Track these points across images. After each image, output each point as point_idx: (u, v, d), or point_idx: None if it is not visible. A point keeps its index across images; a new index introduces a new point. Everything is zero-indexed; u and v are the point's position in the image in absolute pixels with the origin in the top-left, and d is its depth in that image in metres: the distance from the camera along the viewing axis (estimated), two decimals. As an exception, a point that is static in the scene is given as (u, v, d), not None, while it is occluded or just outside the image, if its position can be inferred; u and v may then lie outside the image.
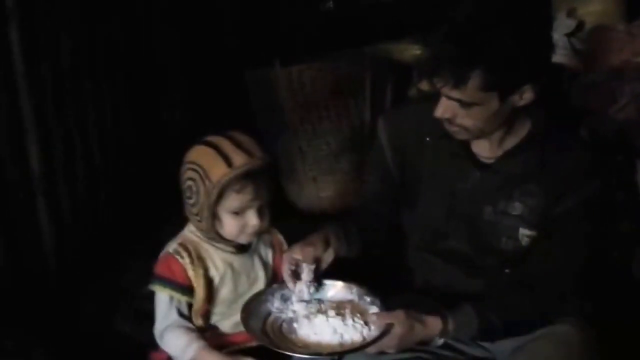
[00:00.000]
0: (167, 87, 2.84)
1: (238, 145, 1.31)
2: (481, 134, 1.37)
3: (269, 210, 1.38)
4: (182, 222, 1.43)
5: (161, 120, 2.81)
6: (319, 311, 1.37)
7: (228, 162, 1.28)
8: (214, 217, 1.33)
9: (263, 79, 2.72)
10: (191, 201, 1.34)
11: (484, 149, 1.43)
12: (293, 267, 1.39)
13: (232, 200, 1.31)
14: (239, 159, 1.29)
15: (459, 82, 1.24)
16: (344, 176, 2.73)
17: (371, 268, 1.51)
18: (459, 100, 1.28)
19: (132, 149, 2.53)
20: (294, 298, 1.40)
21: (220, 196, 1.30)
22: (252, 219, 1.35)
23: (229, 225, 1.35)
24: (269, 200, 1.37)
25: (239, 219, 1.34)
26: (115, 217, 2.40)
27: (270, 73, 2.67)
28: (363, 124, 2.71)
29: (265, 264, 1.48)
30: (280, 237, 1.51)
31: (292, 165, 2.75)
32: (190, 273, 1.36)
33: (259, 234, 1.42)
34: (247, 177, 1.29)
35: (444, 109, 1.32)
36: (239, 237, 1.38)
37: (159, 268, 1.37)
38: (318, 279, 1.42)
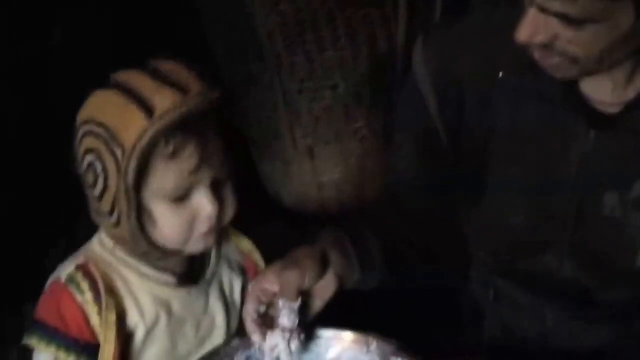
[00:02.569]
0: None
1: (162, 78, 1.33)
2: (597, 68, 1.39)
3: (233, 188, 1.40)
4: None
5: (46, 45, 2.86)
6: (312, 387, 1.40)
7: (147, 108, 1.29)
8: (140, 211, 1.34)
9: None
10: (95, 191, 1.35)
11: (603, 92, 1.45)
12: (263, 308, 1.40)
13: (164, 175, 1.32)
14: (164, 100, 1.30)
15: None
16: (361, 146, 2.76)
17: (404, 306, 1.55)
18: (562, 15, 1.28)
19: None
20: None
21: (142, 170, 1.31)
22: (204, 204, 1.36)
23: (169, 223, 1.36)
24: (230, 172, 1.39)
25: (182, 208, 1.36)
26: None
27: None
28: (394, 51, 2.72)
29: (228, 304, 1.51)
30: (258, 258, 1.54)
31: (271, 128, 2.78)
32: (94, 320, 1.37)
33: (218, 240, 1.44)
34: (183, 129, 1.30)
35: (534, 27, 1.33)
36: (187, 242, 1.39)
37: (42, 307, 1.40)
38: (308, 327, 1.42)
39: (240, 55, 2.79)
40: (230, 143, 1.41)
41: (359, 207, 1.74)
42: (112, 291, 1.39)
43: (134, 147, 1.29)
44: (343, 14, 2.66)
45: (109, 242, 1.42)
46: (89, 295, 1.37)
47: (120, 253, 1.41)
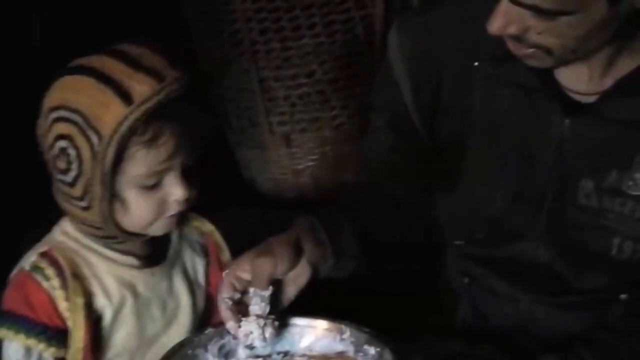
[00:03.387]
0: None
1: (135, 64, 1.32)
2: (571, 58, 1.38)
3: (196, 173, 1.40)
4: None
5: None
6: (285, 375, 1.41)
7: (124, 94, 1.29)
8: (112, 197, 1.35)
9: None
10: (67, 177, 1.35)
11: (578, 79, 1.44)
12: (238, 295, 1.40)
13: (141, 162, 1.33)
14: (142, 86, 1.30)
15: None
16: (337, 133, 2.76)
17: (379, 293, 1.56)
18: (534, 7, 1.27)
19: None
20: (240, 350, 1.42)
21: (119, 157, 1.31)
22: (176, 189, 1.37)
23: (140, 209, 1.37)
24: (196, 155, 1.39)
25: (154, 193, 1.37)
26: None
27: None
28: (372, 35, 2.72)
29: (192, 285, 1.52)
30: (219, 238, 1.55)
31: (247, 115, 2.78)
32: (62, 305, 1.37)
33: (181, 222, 1.45)
34: (160, 116, 1.31)
35: (507, 19, 1.31)
36: (153, 225, 1.40)
37: (9, 297, 1.40)
38: (282, 316, 1.43)
39: (217, 41, 2.78)
40: (204, 128, 1.41)
41: (336, 193, 1.73)
42: (77, 276, 1.39)
43: (112, 134, 1.29)
44: (319, 1, 2.66)
45: (71, 229, 1.42)
46: (55, 282, 1.37)
47: (83, 239, 1.41)
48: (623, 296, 1.48)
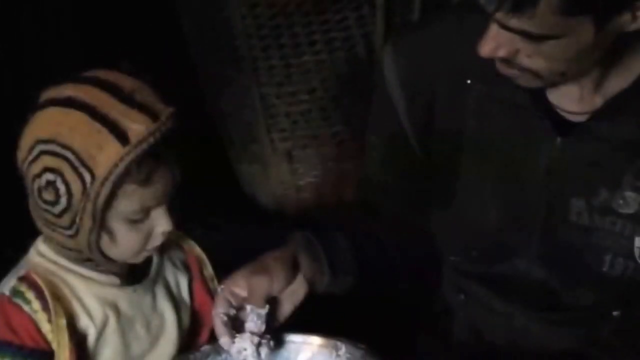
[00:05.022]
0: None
1: (126, 99, 1.31)
2: (561, 79, 1.39)
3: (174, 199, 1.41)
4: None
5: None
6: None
7: (120, 134, 1.28)
8: (100, 228, 1.34)
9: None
10: (55, 209, 1.33)
11: (569, 99, 1.44)
12: (233, 311, 1.40)
13: (134, 199, 1.33)
14: (138, 126, 1.28)
15: (522, 3, 1.23)
16: (339, 149, 2.76)
17: (376, 310, 1.58)
18: (522, 32, 1.28)
19: None
20: None
21: (112, 196, 1.31)
22: (163, 223, 1.37)
23: (127, 241, 1.37)
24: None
25: (142, 227, 1.37)
26: None
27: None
28: (372, 52, 2.72)
29: (177, 301, 1.50)
30: (199, 253, 1.54)
31: (249, 131, 2.77)
32: (45, 327, 1.35)
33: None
34: (154, 154, 1.30)
35: (496, 42, 1.32)
36: (138, 255, 1.41)
37: None
38: (277, 333, 1.43)
39: (217, 58, 2.79)
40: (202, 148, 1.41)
41: (338, 210, 1.76)
42: (58, 297, 1.38)
43: (107, 175, 1.28)
44: (319, 18, 2.67)
45: (48, 251, 1.41)
46: (36, 305, 1.36)
47: (60, 260, 1.40)
48: (615, 313, 1.47)
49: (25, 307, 1.35)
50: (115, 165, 1.27)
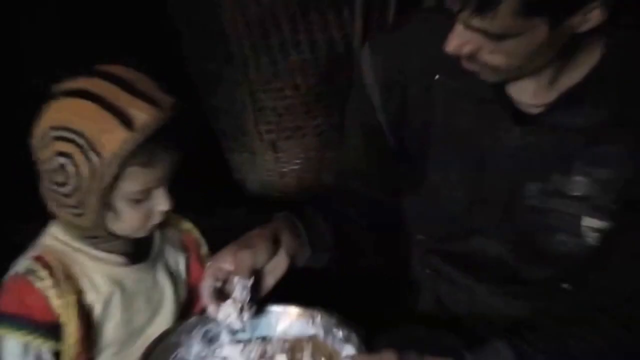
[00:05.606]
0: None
1: (131, 90, 1.35)
2: (519, 74, 1.43)
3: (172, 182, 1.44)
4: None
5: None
6: (262, 356, 1.43)
7: (126, 120, 1.32)
8: (105, 206, 1.38)
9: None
10: (64, 189, 1.37)
11: (526, 93, 1.48)
12: (219, 284, 1.43)
13: (136, 180, 1.37)
14: (141, 113, 1.33)
15: (484, 5, 1.27)
16: (320, 140, 2.79)
17: (349, 283, 1.57)
18: (483, 31, 1.32)
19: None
20: (223, 335, 1.45)
21: (117, 176, 1.35)
22: (162, 202, 1.41)
23: (130, 218, 1.41)
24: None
25: (143, 206, 1.41)
26: None
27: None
28: (351, 52, 2.74)
29: (175, 278, 1.55)
30: (197, 235, 1.59)
31: (239, 123, 2.80)
32: (56, 303, 1.39)
33: (163, 223, 1.48)
34: (156, 140, 1.34)
35: (460, 41, 1.36)
36: (139, 231, 1.44)
37: (5, 300, 1.41)
38: (260, 304, 1.46)
39: (211, 57, 2.79)
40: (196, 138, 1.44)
41: (317, 193, 1.74)
42: (69, 276, 1.42)
43: (113, 157, 1.31)
44: (304, 20, 2.67)
45: (60, 234, 1.44)
46: (48, 282, 1.39)
47: (72, 242, 1.44)
48: (565, 285, 1.51)
49: (38, 284, 1.39)
50: (121, 148, 1.31)
